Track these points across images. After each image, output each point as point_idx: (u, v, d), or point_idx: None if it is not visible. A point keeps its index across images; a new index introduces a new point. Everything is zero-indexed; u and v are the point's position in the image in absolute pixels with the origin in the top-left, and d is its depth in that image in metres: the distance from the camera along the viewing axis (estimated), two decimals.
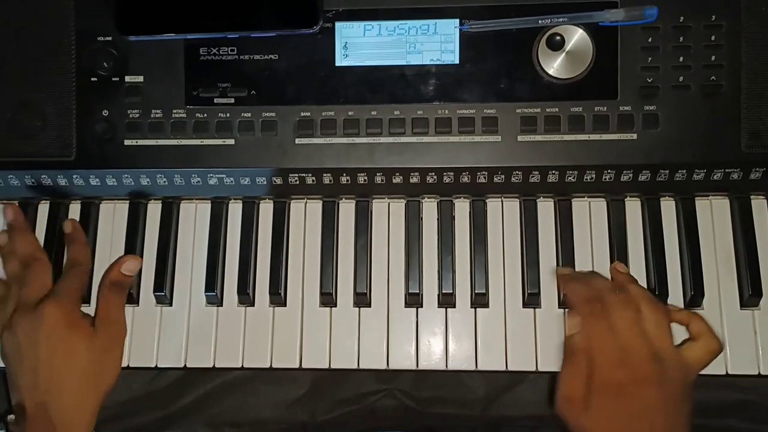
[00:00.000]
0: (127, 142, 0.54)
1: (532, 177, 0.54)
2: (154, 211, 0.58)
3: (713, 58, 0.51)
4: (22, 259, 0.55)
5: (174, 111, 0.54)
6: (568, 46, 0.52)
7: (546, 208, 0.56)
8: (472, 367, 0.54)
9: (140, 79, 0.54)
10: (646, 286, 0.54)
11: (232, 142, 0.54)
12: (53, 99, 0.54)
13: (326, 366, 0.55)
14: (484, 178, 0.54)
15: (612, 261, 0.55)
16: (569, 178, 0.54)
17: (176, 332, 0.56)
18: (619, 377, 0.47)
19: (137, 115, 0.54)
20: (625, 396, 0.47)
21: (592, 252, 0.55)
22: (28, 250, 0.55)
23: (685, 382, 0.49)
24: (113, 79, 0.54)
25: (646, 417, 0.47)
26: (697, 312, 0.52)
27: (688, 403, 0.48)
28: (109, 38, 0.54)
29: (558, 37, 0.51)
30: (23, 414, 0.50)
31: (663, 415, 0.47)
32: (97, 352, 0.52)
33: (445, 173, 0.54)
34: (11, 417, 0.50)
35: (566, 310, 0.54)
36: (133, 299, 0.57)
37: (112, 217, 0.58)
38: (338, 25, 0.53)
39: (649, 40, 0.52)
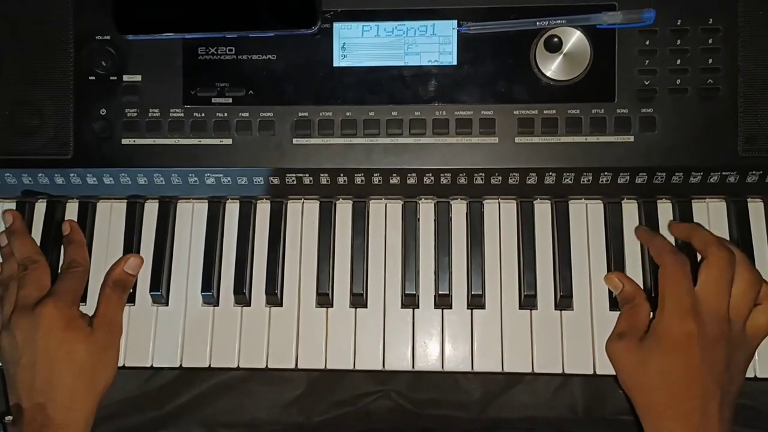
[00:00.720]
0: (124, 141, 0.54)
1: (529, 179, 0.54)
2: (151, 210, 0.58)
3: (710, 61, 0.52)
4: (21, 262, 0.55)
5: (172, 110, 0.54)
6: (566, 48, 0.52)
7: (543, 210, 0.56)
8: (469, 369, 0.54)
9: (138, 78, 0.54)
10: (642, 288, 0.54)
11: (229, 141, 0.54)
12: (51, 97, 0.54)
13: (322, 367, 0.55)
14: (482, 179, 0.54)
15: (609, 263, 0.55)
16: (566, 180, 0.54)
17: (172, 332, 0.56)
18: (686, 326, 0.46)
19: (135, 115, 0.54)
20: (685, 346, 0.46)
21: (588, 254, 0.55)
22: (26, 253, 0.55)
23: (746, 353, 0.48)
24: (111, 78, 0.54)
25: (697, 373, 0.46)
26: None
27: (741, 375, 0.48)
28: (108, 37, 0.54)
29: (556, 39, 0.52)
30: (21, 414, 0.50)
31: (714, 377, 0.46)
32: (95, 352, 0.52)
33: (442, 174, 0.54)
34: (9, 417, 0.50)
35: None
36: (129, 298, 0.56)
37: (109, 216, 0.58)
38: (336, 25, 0.53)
39: (647, 43, 0.52)
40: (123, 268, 0.55)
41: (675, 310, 0.47)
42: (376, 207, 0.57)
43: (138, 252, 0.57)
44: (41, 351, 0.50)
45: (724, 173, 0.53)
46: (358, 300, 0.55)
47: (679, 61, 0.52)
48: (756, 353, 0.52)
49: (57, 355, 0.50)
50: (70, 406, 0.50)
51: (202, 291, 0.56)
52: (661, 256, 0.51)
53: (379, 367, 0.55)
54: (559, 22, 0.52)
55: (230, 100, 0.54)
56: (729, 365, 0.47)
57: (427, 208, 0.57)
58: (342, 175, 0.54)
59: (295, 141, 0.53)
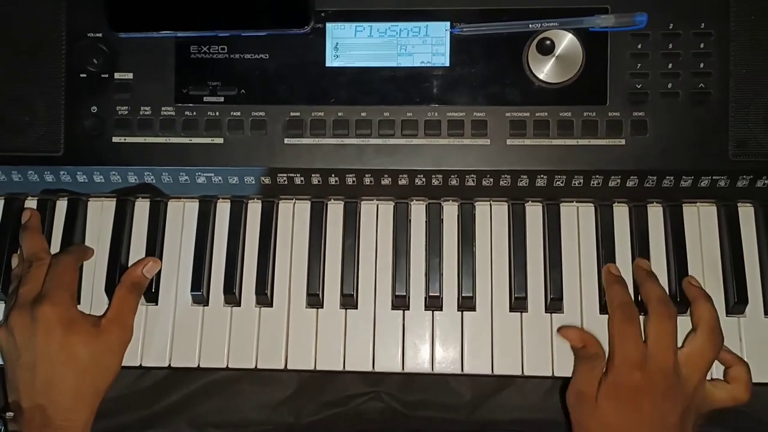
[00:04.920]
0: (115, 139, 0.54)
1: (521, 181, 0.54)
2: (141, 208, 0.58)
3: (702, 65, 0.52)
4: (27, 258, 0.55)
5: (163, 108, 0.54)
6: (558, 51, 0.52)
7: (534, 213, 0.56)
8: (458, 371, 0.54)
9: (130, 76, 0.54)
10: (632, 291, 0.54)
11: (221, 140, 0.54)
12: (42, 94, 0.54)
13: (311, 367, 0.54)
14: (473, 181, 0.54)
15: (600, 266, 0.55)
16: (557, 182, 0.54)
17: (161, 331, 0.55)
18: (633, 380, 0.47)
19: (126, 112, 0.54)
20: (636, 402, 0.47)
21: (579, 257, 0.55)
22: (32, 249, 0.55)
23: (698, 411, 0.49)
24: (103, 75, 0.54)
25: (645, 428, 0.46)
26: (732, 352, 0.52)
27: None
28: (99, 34, 0.54)
29: (548, 42, 0.52)
30: (20, 412, 0.49)
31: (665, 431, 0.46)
32: (99, 354, 0.51)
33: (433, 176, 0.54)
34: (9, 414, 0.50)
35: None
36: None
37: (100, 214, 0.58)
38: (329, 25, 0.53)
39: (639, 46, 0.52)
40: (142, 271, 0.55)
41: (624, 364, 0.48)
42: (367, 208, 0.57)
43: (128, 251, 0.57)
44: (41, 353, 0.49)
45: (714, 177, 0.53)
46: (349, 301, 0.55)
47: (670, 65, 0.52)
48: (745, 357, 0.53)
49: (59, 357, 0.49)
50: (70, 407, 0.50)
51: (191, 290, 0.56)
52: (611, 307, 0.51)
53: (369, 369, 0.54)
54: (551, 24, 0.52)
55: (222, 99, 0.53)
56: (682, 419, 0.47)
57: (418, 210, 0.57)
58: (333, 175, 0.54)
59: (286, 141, 0.53)
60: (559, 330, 0.52)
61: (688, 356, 0.49)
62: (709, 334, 0.49)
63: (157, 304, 0.56)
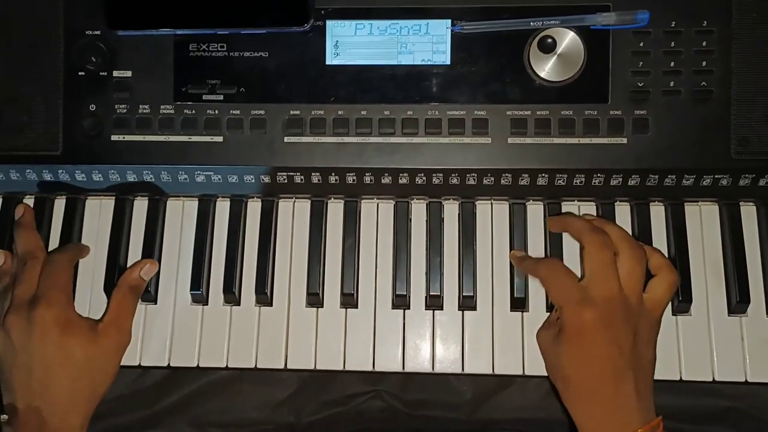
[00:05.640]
0: (114, 138, 0.54)
1: (522, 179, 0.53)
2: (140, 207, 0.58)
3: (704, 63, 0.51)
4: (21, 256, 0.54)
5: (162, 107, 0.53)
6: (560, 49, 0.51)
7: (535, 212, 0.56)
8: (459, 371, 0.54)
9: (128, 74, 0.53)
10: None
11: (220, 139, 0.53)
12: (40, 93, 0.54)
13: (312, 367, 0.54)
14: (474, 179, 0.54)
15: None
16: (559, 181, 0.53)
17: (161, 330, 0.55)
18: (583, 317, 0.47)
19: (125, 111, 0.53)
20: (588, 336, 0.47)
21: (580, 256, 0.55)
22: (27, 247, 0.54)
23: (650, 325, 0.49)
24: (101, 73, 0.53)
25: (607, 359, 0.47)
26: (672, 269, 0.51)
27: (652, 348, 0.49)
28: (98, 32, 0.53)
29: (549, 40, 0.51)
30: (15, 414, 0.49)
31: (622, 359, 0.46)
32: (96, 357, 0.51)
33: (434, 174, 0.53)
34: (4, 416, 0.49)
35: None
36: None
37: (98, 213, 0.58)
38: (329, 23, 0.53)
39: (641, 44, 0.52)
40: (139, 273, 0.54)
41: (567, 304, 0.48)
42: (367, 207, 0.57)
43: (126, 250, 0.57)
44: (38, 355, 0.49)
45: (716, 176, 0.53)
46: (349, 300, 0.55)
47: (672, 63, 0.52)
48: (746, 356, 0.53)
49: (55, 359, 0.49)
50: (67, 410, 0.49)
51: (191, 289, 0.56)
52: (536, 263, 0.52)
53: (369, 368, 0.54)
54: (553, 22, 0.52)
55: (221, 98, 0.53)
56: (636, 343, 0.47)
57: (419, 209, 0.57)
58: (333, 174, 0.54)
59: (286, 139, 0.53)
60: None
61: (623, 278, 0.48)
62: (629, 250, 0.49)
63: (156, 304, 0.56)
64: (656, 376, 0.49)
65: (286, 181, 0.54)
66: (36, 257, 0.53)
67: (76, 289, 0.56)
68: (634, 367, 0.47)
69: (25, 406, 0.49)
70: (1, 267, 0.55)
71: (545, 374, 0.53)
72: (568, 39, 0.51)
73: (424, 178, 0.54)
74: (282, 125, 0.53)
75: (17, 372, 0.50)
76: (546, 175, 0.53)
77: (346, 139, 0.53)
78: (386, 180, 0.54)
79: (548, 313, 0.54)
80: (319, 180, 0.54)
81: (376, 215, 0.57)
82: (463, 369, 0.54)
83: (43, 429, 0.48)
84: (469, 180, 0.54)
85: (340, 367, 0.54)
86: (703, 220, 0.55)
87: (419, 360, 0.54)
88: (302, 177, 0.54)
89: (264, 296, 0.55)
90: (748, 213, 0.55)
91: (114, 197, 0.58)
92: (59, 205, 0.58)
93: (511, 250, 0.55)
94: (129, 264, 0.56)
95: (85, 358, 0.50)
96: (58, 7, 0.53)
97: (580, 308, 0.47)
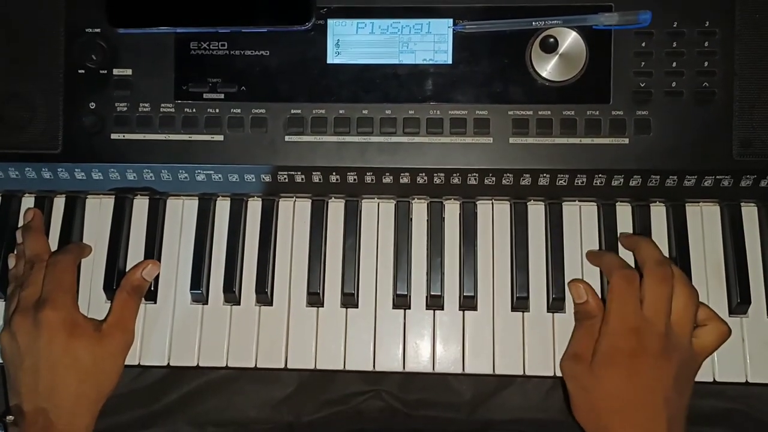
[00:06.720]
0: (114, 136, 0.53)
1: (523, 180, 0.53)
2: (140, 206, 0.57)
3: (706, 64, 0.51)
4: (28, 259, 0.54)
5: (162, 105, 0.53)
6: (562, 49, 0.51)
7: (536, 212, 0.56)
8: (459, 371, 0.54)
9: (129, 72, 0.53)
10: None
11: (221, 138, 0.53)
12: (41, 91, 0.53)
13: (312, 367, 0.54)
14: (475, 179, 0.53)
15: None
16: (560, 181, 0.53)
17: (160, 330, 0.55)
18: (629, 345, 0.47)
19: (125, 109, 0.53)
20: (629, 365, 0.47)
21: (582, 257, 0.55)
22: (35, 250, 0.54)
23: (691, 368, 0.49)
24: (101, 71, 0.53)
25: (644, 391, 0.46)
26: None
27: (688, 389, 0.48)
28: (98, 30, 0.53)
29: (551, 40, 0.51)
30: (21, 416, 0.49)
31: (662, 393, 0.46)
32: (101, 359, 0.51)
33: (435, 174, 0.53)
34: (10, 417, 0.49)
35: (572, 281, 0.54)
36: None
37: (98, 211, 0.58)
38: (331, 22, 0.53)
39: (643, 44, 0.52)
40: (141, 274, 0.54)
41: (619, 329, 0.48)
42: (368, 206, 0.57)
43: (126, 249, 0.57)
44: (44, 357, 0.49)
45: (718, 177, 0.52)
46: (349, 300, 0.55)
47: (674, 64, 0.51)
48: (747, 357, 0.53)
49: (62, 361, 0.49)
50: (72, 411, 0.49)
51: (191, 289, 0.55)
52: (610, 274, 0.51)
53: (370, 368, 0.54)
54: (555, 22, 0.51)
55: (222, 96, 0.53)
56: (676, 381, 0.47)
57: (420, 208, 0.57)
58: (334, 173, 0.54)
59: (287, 138, 0.53)
60: (569, 283, 0.53)
61: (675, 316, 0.48)
62: (687, 288, 0.49)
63: (156, 303, 0.56)
64: None
65: (286, 180, 0.54)
66: (43, 261, 0.53)
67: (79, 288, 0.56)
68: (671, 405, 0.46)
69: (32, 408, 0.49)
70: (11, 271, 0.55)
71: (545, 374, 0.53)
72: (570, 39, 0.51)
73: (426, 177, 0.53)
74: (283, 124, 0.53)
75: (24, 374, 0.50)
76: (547, 176, 0.53)
77: (347, 139, 0.53)
78: (387, 179, 0.54)
79: (549, 313, 0.54)
80: (319, 179, 0.54)
81: (377, 215, 0.57)
82: (463, 369, 0.54)
83: (50, 430, 0.48)
84: (470, 180, 0.53)
85: (340, 367, 0.54)
86: (704, 221, 0.55)
87: (419, 360, 0.54)
88: (303, 176, 0.54)
89: (264, 296, 0.55)
90: (750, 214, 0.55)
91: (114, 196, 0.57)
92: (59, 203, 0.58)
93: (511, 250, 0.55)
94: (129, 263, 0.56)
95: (91, 360, 0.50)
96: (58, 4, 0.53)
97: (630, 336, 0.47)
